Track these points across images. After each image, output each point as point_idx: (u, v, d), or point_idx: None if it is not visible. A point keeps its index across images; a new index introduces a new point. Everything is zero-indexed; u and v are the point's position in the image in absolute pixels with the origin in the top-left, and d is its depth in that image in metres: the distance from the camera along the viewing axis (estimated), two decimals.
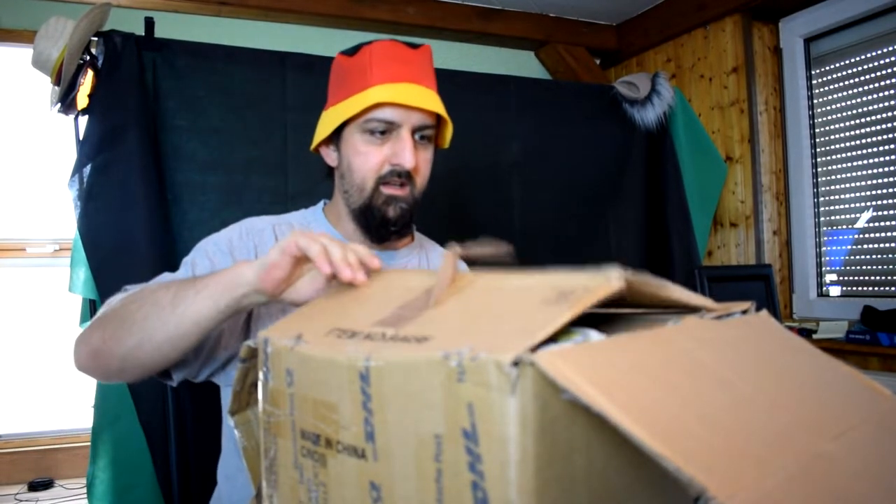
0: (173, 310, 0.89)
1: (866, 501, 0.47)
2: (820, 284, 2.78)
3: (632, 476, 0.53)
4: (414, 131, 1.14)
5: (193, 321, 0.88)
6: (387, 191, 1.15)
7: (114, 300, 1.03)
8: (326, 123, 1.17)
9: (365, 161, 1.14)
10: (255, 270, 0.84)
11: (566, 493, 0.47)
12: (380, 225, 1.17)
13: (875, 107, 2.57)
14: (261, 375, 0.69)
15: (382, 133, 1.13)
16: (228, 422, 1.11)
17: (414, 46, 1.17)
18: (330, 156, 1.22)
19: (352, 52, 1.16)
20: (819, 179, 2.78)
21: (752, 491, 0.40)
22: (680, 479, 0.39)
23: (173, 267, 1.16)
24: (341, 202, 1.21)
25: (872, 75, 2.57)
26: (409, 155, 1.12)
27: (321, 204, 1.30)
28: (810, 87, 2.81)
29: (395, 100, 1.10)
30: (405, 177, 1.15)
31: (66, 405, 2.68)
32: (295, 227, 1.21)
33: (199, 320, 0.88)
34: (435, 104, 1.14)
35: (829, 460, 0.48)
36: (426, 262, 1.33)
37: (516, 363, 0.45)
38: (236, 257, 1.11)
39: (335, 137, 1.18)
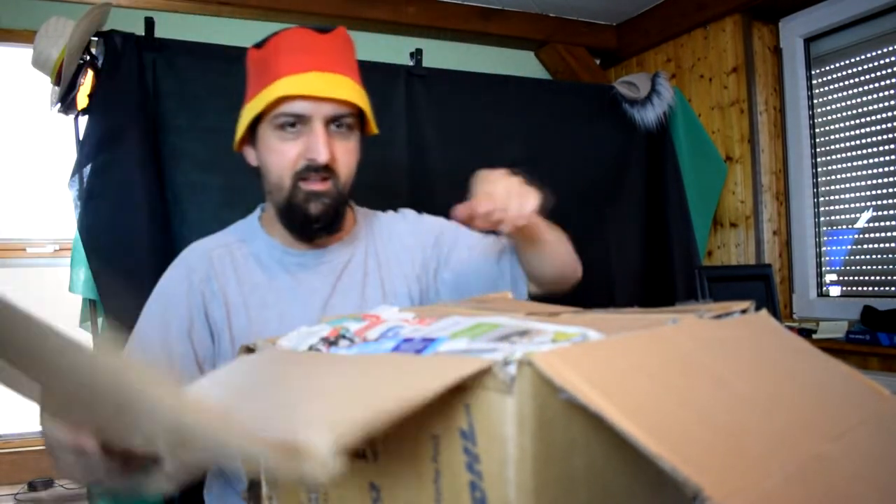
0: None
1: (865, 502, 0.47)
2: (820, 284, 2.78)
3: (630, 476, 0.53)
4: (329, 122, 1.09)
5: None
6: (306, 187, 1.10)
7: None
8: (240, 122, 1.14)
9: (279, 158, 1.10)
10: None
11: (565, 493, 0.47)
12: (303, 223, 1.13)
13: (875, 107, 2.57)
14: None
15: (293, 126, 1.08)
16: None
17: (324, 31, 1.11)
18: (251, 155, 1.18)
19: (261, 44, 1.11)
20: (819, 179, 2.78)
21: (749, 491, 0.40)
22: (676, 479, 0.39)
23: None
24: (269, 202, 1.19)
25: (872, 75, 2.57)
26: (322, 148, 1.07)
27: (258, 211, 1.26)
28: (810, 87, 2.81)
29: (300, 91, 1.04)
30: (324, 171, 1.10)
31: None
32: (232, 246, 1.19)
33: None
34: (346, 91, 1.08)
35: (827, 461, 0.48)
36: (363, 254, 1.25)
37: (514, 363, 0.45)
38: (182, 309, 1.12)
39: (252, 136, 1.15)
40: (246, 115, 1.11)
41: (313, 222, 1.12)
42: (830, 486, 0.46)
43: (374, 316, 0.83)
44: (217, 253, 1.17)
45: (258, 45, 1.12)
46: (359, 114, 1.14)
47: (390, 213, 1.37)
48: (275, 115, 1.07)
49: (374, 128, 1.19)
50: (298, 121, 1.07)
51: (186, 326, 1.11)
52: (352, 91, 1.09)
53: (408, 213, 1.36)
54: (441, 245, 1.30)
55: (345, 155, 1.12)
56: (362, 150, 1.18)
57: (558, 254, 1.21)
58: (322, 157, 1.07)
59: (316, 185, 1.10)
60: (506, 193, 0.95)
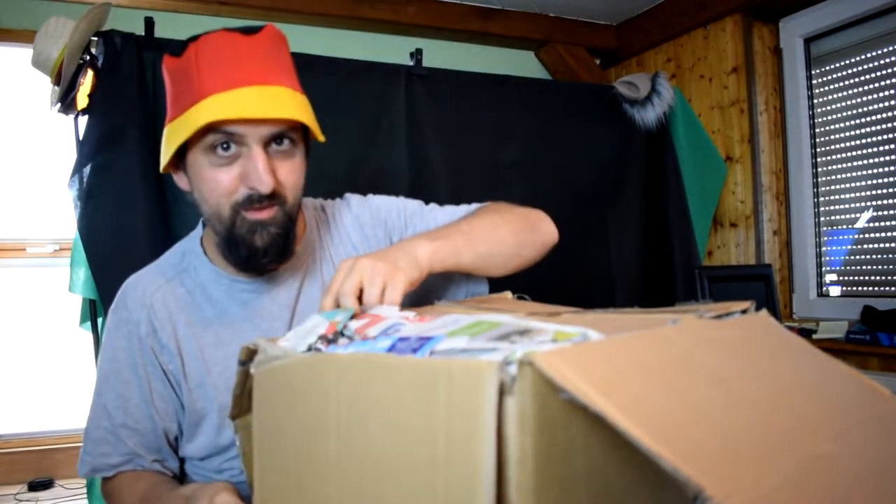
0: None
1: (864, 501, 0.47)
2: (820, 284, 2.78)
3: (631, 476, 0.53)
4: (268, 142, 0.93)
5: None
6: (250, 216, 0.95)
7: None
8: (166, 145, 0.96)
9: (215, 188, 0.94)
10: None
11: (565, 493, 0.47)
12: (248, 257, 0.97)
13: (875, 107, 2.57)
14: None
15: (227, 148, 0.92)
16: (194, 465, 1.10)
17: (251, 32, 0.93)
18: (182, 180, 1.01)
19: (178, 51, 0.93)
20: (819, 179, 2.78)
21: (749, 491, 0.40)
22: (677, 479, 0.39)
23: None
24: (209, 230, 1.04)
25: (872, 75, 2.57)
26: (264, 176, 0.91)
27: (199, 230, 1.11)
28: (810, 87, 2.81)
29: (231, 114, 0.88)
30: (267, 199, 0.94)
31: (65, 405, 2.68)
32: (174, 282, 1.06)
33: None
34: (283, 107, 0.91)
35: (827, 461, 0.48)
36: (318, 262, 1.12)
37: (515, 363, 0.45)
38: (138, 368, 1.03)
39: (181, 160, 0.98)
40: (170, 141, 0.94)
41: (261, 255, 0.97)
42: (830, 486, 0.46)
43: (375, 316, 0.83)
44: (157, 296, 1.04)
45: (175, 53, 0.94)
46: (302, 125, 0.98)
47: (332, 202, 1.22)
48: (205, 140, 0.91)
49: (319, 135, 1.00)
50: (232, 141, 0.91)
51: (146, 389, 1.03)
52: (291, 105, 0.92)
53: (351, 200, 1.20)
54: (390, 230, 1.17)
55: (290, 175, 0.97)
56: (308, 161, 1.03)
57: (501, 256, 1.06)
58: (265, 186, 0.92)
59: (260, 214, 0.95)
60: (359, 289, 0.82)
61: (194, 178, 0.97)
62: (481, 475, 0.44)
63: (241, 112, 0.88)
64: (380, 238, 1.15)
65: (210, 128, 0.89)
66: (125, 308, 1.05)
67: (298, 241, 1.08)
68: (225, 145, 0.92)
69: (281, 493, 0.67)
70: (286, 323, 1.05)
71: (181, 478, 1.10)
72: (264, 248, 0.96)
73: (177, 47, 0.94)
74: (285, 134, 0.94)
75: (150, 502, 0.92)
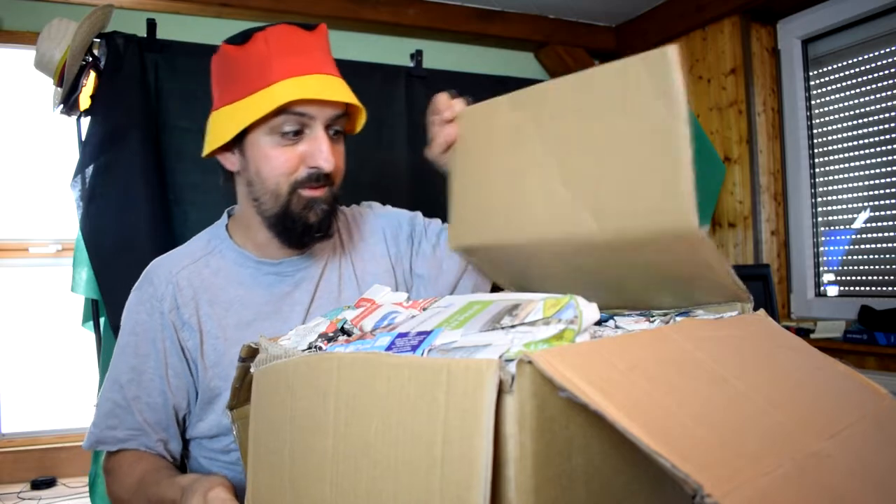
0: None
1: (861, 499, 0.47)
2: (818, 284, 2.78)
3: (630, 474, 0.53)
4: (327, 126, 1.02)
5: None
6: (305, 194, 1.02)
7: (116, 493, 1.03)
8: (224, 126, 1.02)
9: (277, 166, 1.01)
10: None
11: (564, 492, 0.48)
12: (302, 232, 1.05)
13: (872, 108, 2.57)
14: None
15: (295, 133, 1.00)
16: (200, 448, 1.11)
17: (309, 28, 1.03)
18: (230, 161, 1.07)
19: (242, 40, 1.00)
20: (817, 180, 2.79)
21: (747, 489, 0.41)
22: (676, 476, 0.39)
23: None
24: (250, 211, 1.08)
25: (870, 76, 2.58)
26: (328, 155, 1.00)
27: (225, 218, 1.17)
28: (808, 89, 2.81)
29: (308, 95, 0.96)
30: (324, 178, 1.03)
31: (68, 404, 2.68)
32: (199, 263, 1.10)
33: None
34: (347, 93, 1.01)
35: (824, 458, 0.49)
36: (337, 255, 1.19)
37: (514, 362, 0.45)
38: (157, 340, 1.06)
39: (236, 141, 1.03)
40: (235, 120, 1.00)
41: (314, 231, 1.05)
42: (827, 483, 0.46)
43: (369, 300, 0.84)
44: (183, 275, 1.08)
45: (236, 42, 1.00)
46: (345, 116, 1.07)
47: (355, 206, 1.30)
48: (275, 120, 0.98)
49: (359, 126, 1.12)
50: (301, 126, 1.00)
51: (162, 364, 1.06)
52: (349, 92, 1.02)
53: (375, 206, 1.30)
54: (412, 237, 1.25)
55: (340, 160, 1.06)
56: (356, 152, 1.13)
57: None
58: (328, 165, 1.00)
59: (314, 192, 1.03)
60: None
61: (254, 157, 1.02)
62: (477, 473, 0.44)
63: (314, 93, 0.96)
64: (403, 237, 1.24)
65: (281, 109, 0.97)
66: (150, 284, 1.09)
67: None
68: (293, 129, 0.99)
69: (273, 492, 0.67)
70: (305, 308, 1.11)
71: (183, 462, 1.13)
72: (318, 224, 1.04)
73: (238, 37, 1.01)
74: (340, 120, 1.04)
75: (148, 486, 0.93)
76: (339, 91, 1.00)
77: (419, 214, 1.29)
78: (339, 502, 0.57)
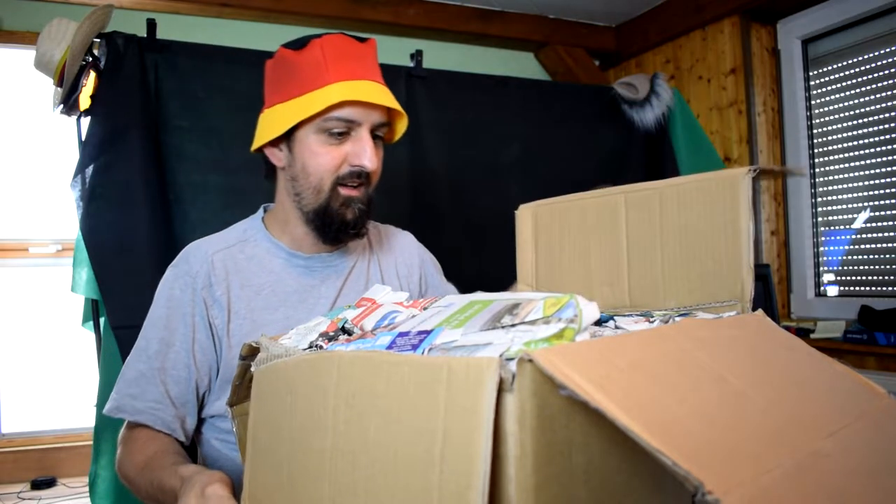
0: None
1: (861, 498, 0.47)
2: (818, 284, 2.78)
3: (630, 473, 0.53)
4: (371, 130, 1.10)
5: None
6: (345, 192, 1.11)
7: (124, 467, 1.06)
8: (275, 122, 1.10)
9: (323, 162, 1.09)
10: None
11: (565, 490, 0.48)
12: (338, 228, 1.13)
13: (872, 108, 2.57)
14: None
15: (340, 134, 1.08)
16: (214, 430, 1.13)
17: (361, 40, 1.11)
18: (277, 156, 1.16)
19: (299, 45, 1.09)
20: (817, 180, 2.79)
21: (747, 487, 0.41)
22: (676, 474, 0.39)
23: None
24: (290, 205, 1.16)
25: (870, 76, 2.58)
26: (371, 155, 1.09)
27: (260, 212, 1.25)
28: (808, 89, 2.82)
29: (358, 97, 1.04)
30: (363, 177, 1.11)
31: (68, 404, 2.68)
32: (234, 248, 1.17)
33: None
34: (392, 100, 1.10)
35: (824, 457, 0.49)
36: (366, 260, 1.27)
37: (514, 360, 0.45)
38: (186, 316, 1.10)
39: (284, 137, 1.12)
40: (287, 116, 1.08)
41: (349, 227, 1.13)
42: (827, 482, 0.46)
43: (370, 300, 0.85)
44: (219, 256, 1.14)
45: (294, 47, 1.09)
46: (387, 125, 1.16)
47: (389, 225, 1.40)
48: (325, 119, 1.07)
49: (396, 137, 1.22)
50: (347, 127, 1.08)
51: (190, 338, 1.10)
52: (395, 100, 1.10)
53: (409, 234, 1.41)
54: (427, 276, 1.37)
55: (379, 163, 1.14)
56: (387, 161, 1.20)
57: None
58: (371, 164, 1.09)
59: (353, 192, 1.12)
60: None
61: (302, 153, 1.11)
62: (477, 470, 0.44)
63: (364, 96, 1.05)
64: (414, 282, 1.34)
65: (331, 110, 1.05)
66: (186, 262, 1.15)
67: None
68: (340, 130, 1.08)
69: (271, 489, 0.67)
70: (331, 302, 1.18)
71: (194, 446, 1.17)
72: (353, 222, 1.13)
73: (296, 43, 1.09)
74: (384, 126, 1.13)
75: (154, 469, 0.96)
76: (387, 97, 1.08)
77: (440, 270, 1.41)
78: (337, 500, 0.57)
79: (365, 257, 1.27)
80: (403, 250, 1.35)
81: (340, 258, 1.22)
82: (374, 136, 1.12)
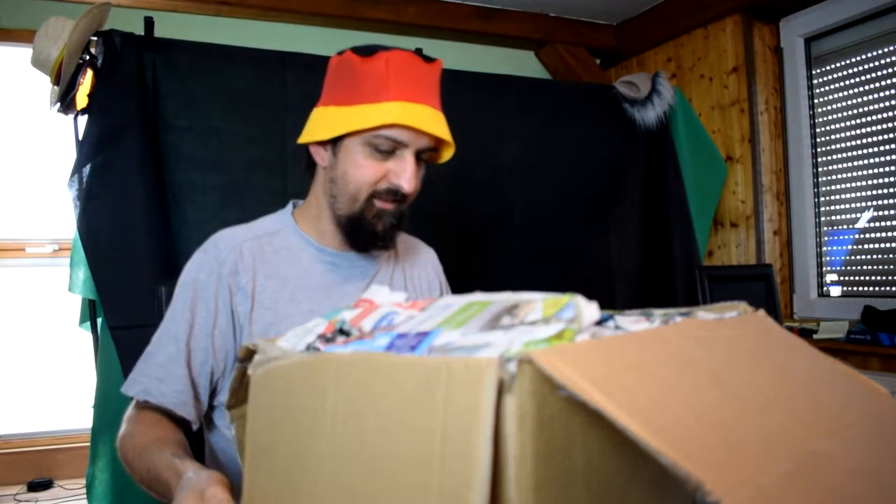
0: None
1: (862, 499, 0.47)
2: (820, 284, 2.78)
3: (630, 474, 0.53)
4: (417, 153, 1.12)
5: None
6: (379, 204, 1.13)
7: (126, 443, 1.04)
8: (327, 124, 1.12)
9: (364, 174, 1.10)
10: None
11: (564, 491, 0.47)
12: (367, 238, 1.15)
13: (875, 106, 2.57)
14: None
15: (386, 151, 1.10)
16: (224, 418, 1.13)
17: (428, 60, 1.13)
18: (321, 155, 1.17)
19: (367, 53, 1.09)
20: (819, 179, 2.78)
21: (748, 487, 0.40)
22: (677, 474, 0.39)
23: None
24: (323, 203, 1.18)
25: (873, 75, 2.57)
26: (412, 178, 1.10)
27: (290, 207, 1.26)
28: (811, 87, 2.81)
29: (411, 123, 1.06)
30: (399, 196, 1.13)
31: (65, 405, 2.68)
32: (262, 239, 1.19)
33: None
34: (444, 130, 1.11)
35: (825, 458, 0.48)
36: (391, 267, 1.29)
37: (514, 361, 0.45)
38: (210, 300, 1.12)
39: (331, 140, 1.14)
40: (340, 122, 1.09)
41: (378, 239, 1.15)
42: (828, 483, 0.46)
43: (367, 301, 0.84)
44: (248, 245, 1.16)
45: (362, 53, 1.09)
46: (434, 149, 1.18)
47: (413, 237, 1.42)
48: (375, 135, 1.08)
49: (443, 160, 1.23)
50: (395, 147, 1.09)
51: (211, 322, 1.11)
52: (446, 129, 1.12)
53: (433, 251, 1.43)
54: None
55: (418, 184, 1.15)
56: None
57: None
58: (409, 187, 1.10)
59: (388, 206, 1.13)
60: None
61: (345, 160, 1.12)
62: (477, 470, 0.44)
63: (417, 122, 1.06)
64: (443, 287, 1.38)
65: (383, 126, 1.06)
66: (214, 248, 1.16)
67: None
68: (387, 149, 1.09)
69: (270, 492, 0.67)
70: (355, 299, 1.15)
71: (200, 435, 1.19)
72: (383, 233, 1.15)
73: (365, 50, 1.10)
74: (429, 150, 1.14)
75: (153, 456, 0.95)
76: (438, 126, 1.10)
77: (448, 289, 1.43)
78: (336, 502, 0.56)
79: (391, 263, 1.29)
80: (427, 265, 1.38)
81: (367, 260, 1.24)
82: (418, 158, 1.13)
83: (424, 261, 1.38)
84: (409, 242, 1.38)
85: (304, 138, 1.16)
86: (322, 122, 1.13)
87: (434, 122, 1.09)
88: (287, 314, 1.13)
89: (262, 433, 0.69)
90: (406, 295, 0.85)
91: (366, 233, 1.14)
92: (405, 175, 1.10)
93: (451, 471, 0.46)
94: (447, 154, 1.21)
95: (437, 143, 1.16)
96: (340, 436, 0.57)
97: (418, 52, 1.16)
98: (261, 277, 1.15)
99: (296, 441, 0.63)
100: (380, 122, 1.05)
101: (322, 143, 1.15)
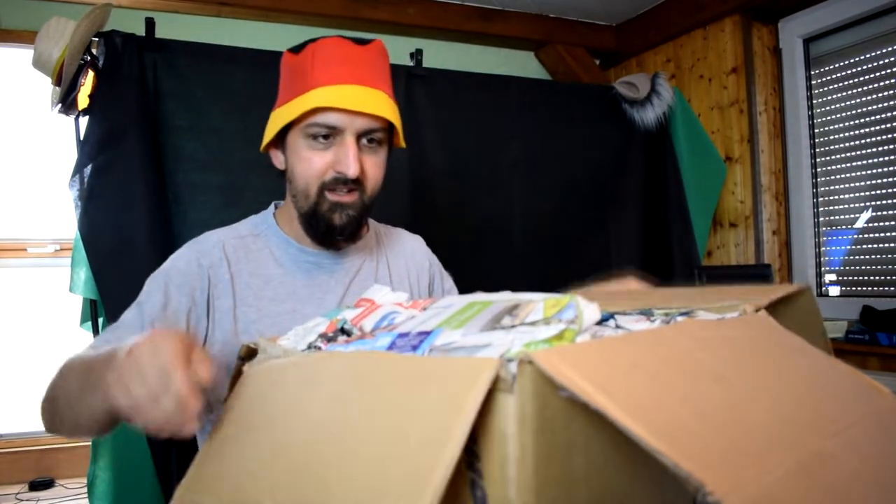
0: (87, 407, 0.86)
1: (864, 498, 0.47)
2: (819, 284, 2.78)
3: (631, 474, 0.53)
4: (360, 136, 1.09)
5: (99, 417, 0.85)
6: (332, 197, 1.10)
7: (67, 365, 1.00)
8: (271, 126, 1.13)
9: (308, 167, 1.09)
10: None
11: (565, 492, 0.47)
12: (325, 232, 1.14)
13: (874, 107, 2.57)
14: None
15: (326, 137, 1.07)
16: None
17: (362, 43, 1.10)
18: (277, 158, 1.18)
19: (297, 49, 1.11)
20: (818, 179, 2.78)
21: (750, 487, 0.41)
22: (678, 475, 0.39)
23: None
24: (291, 205, 1.18)
25: (872, 76, 2.57)
26: (353, 162, 1.07)
27: (272, 208, 1.27)
28: (809, 88, 2.81)
29: (336, 104, 1.04)
30: (352, 183, 1.10)
31: None
32: (247, 239, 1.19)
33: (102, 417, 0.84)
34: (380, 107, 1.07)
35: (827, 457, 0.48)
36: (374, 261, 1.28)
37: (515, 361, 0.45)
38: (188, 288, 1.10)
39: (281, 140, 1.14)
40: (277, 121, 1.11)
41: (336, 233, 1.13)
42: (830, 482, 0.46)
43: (369, 300, 0.84)
44: (231, 243, 1.17)
45: (294, 50, 1.11)
46: (389, 128, 1.14)
47: (401, 229, 1.41)
48: (307, 125, 1.07)
49: (402, 142, 1.20)
50: (330, 132, 1.07)
51: (187, 306, 1.10)
52: (385, 106, 1.08)
53: (419, 238, 1.42)
54: (434, 283, 1.38)
55: (373, 168, 1.12)
56: (389, 162, 1.19)
57: None
58: (352, 171, 1.07)
59: (342, 197, 1.11)
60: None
61: (291, 157, 1.12)
62: (447, 449, 0.44)
63: (344, 103, 1.04)
64: (423, 287, 1.35)
65: (313, 114, 1.05)
66: (198, 243, 1.17)
67: (361, 236, 1.26)
68: (324, 135, 1.07)
69: (219, 479, 0.65)
70: (338, 298, 1.18)
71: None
72: (341, 227, 1.12)
73: (297, 46, 1.11)
74: (375, 131, 1.10)
75: (91, 362, 0.88)
76: (372, 103, 1.06)
77: (445, 274, 1.41)
78: (297, 484, 0.55)
79: (374, 257, 1.28)
80: (414, 254, 1.36)
81: (348, 256, 1.23)
82: (370, 141, 1.11)
83: (411, 250, 1.36)
84: (392, 234, 1.38)
85: (262, 146, 1.17)
86: (270, 126, 1.14)
87: (367, 101, 1.06)
88: (271, 313, 1.13)
89: (232, 421, 0.68)
90: (408, 295, 0.85)
91: (323, 227, 1.13)
92: (346, 160, 1.07)
93: (425, 453, 0.45)
94: (399, 133, 1.18)
95: (387, 124, 1.12)
96: (321, 420, 0.56)
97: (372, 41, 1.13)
98: (244, 275, 1.15)
99: (278, 432, 0.61)
100: (305, 109, 1.04)
101: (275, 147, 1.16)
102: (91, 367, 0.86)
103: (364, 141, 1.10)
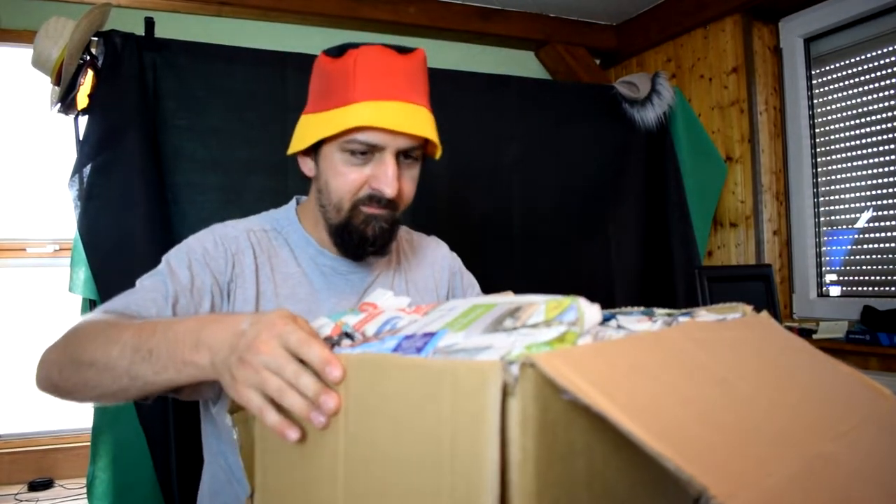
0: (130, 380, 0.83)
1: (867, 500, 0.47)
2: (820, 284, 2.78)
3: (632, 477, 0.53)
4: (399, 153, 1.06)
5: (146, 391, 0.85)
6: (367, 210, 1.08)
7: (82, 325, 0.93)
8: (304, 134, 1.09)
9: (343, 182, 1.06)
10: (223, 378, 0.72)
11: (566, 494, 0.47)
12: (358, 245, 1.10)
13: (875, 107, 2.57)
14: None
15: (364, 153, 1.04)
16: (226, 420, 1.12)
17: (405, 51, 1.05)
18: (307, 165, 1.15)
19: (336, 53, 1.05)
20: (819, 179, 2.78)
21: (752, 490, 0.40)
22: (679, 478, 0.39)
23: None
24: (318, 212, 1.14)
25: (872, 75, 2.57)
26: (392, 181, 1.04)
27: (293, 203, 1.23)
28: (810, 87, 2.81)
29: (379, 124, 1.00)
30: (384, 202, 1.07)
31: (66, 405, 2.67)
32: (270, 233, 1.16)
33: (152, 391, 0.85)
34: (423, 126, 1.04)
35: (829, 460, 0.48)
36: (392, 270, 1.25)
37: (517, 364, 0.45)
38: (213, 269, 1.07)
39: (313, 149, 1.11)
40: (312, 129, 1.06)
41: (369, 244, 1.10)
42: (833, 485, 0.46)
43: (372, 305, 0.84)
44: (255, 235, 1.14)
45: (332, 54, 1.05)
46: (425, 141, 1.11)
47: (423, 234, 1.39)
48: (347, 140, 1.03)
49: (438, 154, 1.17)
50: (370, 149, 1.04)
51: (209, 286, 1.06)
52: (426, 125, 1.05)
53: (442, 243, 1.40)
54: (454, 289, 1.34)
55: (407, 185, 1.10)
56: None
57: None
58: (390, 191, 1.04)
59: (376, 210, 1.07)
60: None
61: (325, 169, 1.08)
62: (486, 477, 0.44)
63: (387, 123, 1.00)
64: (442, 295, 1.31)
65: (354, 130, 1.01)
66: (225, 227, 1.14)
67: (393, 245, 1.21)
68: (362, 151, 1.03)
69: (281, 492, 0.67)
70: (352, 304, 1.15)
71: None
72: (373, 239, 1.09)
73: (335, 50, 1.05)
74: (414, 149, 1.07)
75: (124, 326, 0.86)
76: (415, 123, 1.02)
77: (473, 283, 1.38)
78: (349, 502, 0.57)
79: (391, 269, 1.25)
80: (435, 262, 1.33)
81: (366, 264, 1.20)
82: (407, 157, 1.08)
83: (432, 259, 1.34)
84: (415, 242, 1.35)
85: (290, 149, 1.14)
86: (301, 132, 1.10)
87: (410, 120, 1.02)
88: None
89: (272, 433, 0.69)
90: (410, 300, 0.85)
91: (355, 239, 1.09)
92: (385, 179, 1.04)
93: (461, 472, 0.46)
94: (440, 147, 1.15)
95: (423, 139, 1.09)
96: (353, 436, 0.57)
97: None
98: (266, 269, 1.12)
99: (309, 441, 0.63)
100: (346, 126, 1.00)
101: (306, 153, 1.13)
102: (137, 334, 0.82)
103: (402, 158, 1.07)
